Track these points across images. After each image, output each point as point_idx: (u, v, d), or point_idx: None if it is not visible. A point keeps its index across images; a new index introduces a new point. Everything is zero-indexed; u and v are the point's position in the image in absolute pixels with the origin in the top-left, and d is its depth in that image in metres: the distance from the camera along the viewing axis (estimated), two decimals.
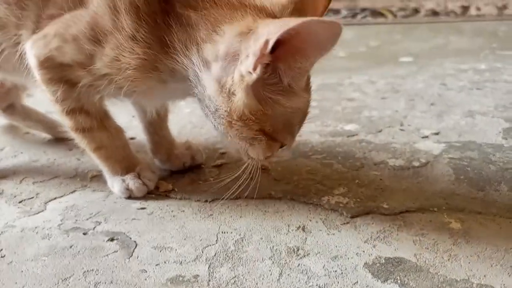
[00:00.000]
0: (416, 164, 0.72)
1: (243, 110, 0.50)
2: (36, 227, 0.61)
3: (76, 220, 0.63)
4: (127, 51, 0.54)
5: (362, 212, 0.60)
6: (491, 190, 0.63)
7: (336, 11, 2.55)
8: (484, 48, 1.54)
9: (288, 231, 0.57)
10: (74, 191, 0.70)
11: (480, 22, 2.17)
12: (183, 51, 0.53)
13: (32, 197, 0.70)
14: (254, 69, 0.46)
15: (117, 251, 0.55)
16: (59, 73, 0.60)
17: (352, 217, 0.59)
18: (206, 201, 0.66)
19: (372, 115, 0.94)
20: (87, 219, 0.63)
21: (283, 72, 0.49)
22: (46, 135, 0.92)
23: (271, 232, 0.57)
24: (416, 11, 2.47)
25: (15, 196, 0.70)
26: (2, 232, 0.61)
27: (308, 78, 0.55)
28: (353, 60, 1.46)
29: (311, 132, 0.87)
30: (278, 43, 0.44)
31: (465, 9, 2.46)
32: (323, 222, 0.59)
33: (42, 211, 0.66)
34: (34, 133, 0.94)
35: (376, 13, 2.46)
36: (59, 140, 0.88)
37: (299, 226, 0.58)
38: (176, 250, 0.55)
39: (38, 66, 0.60)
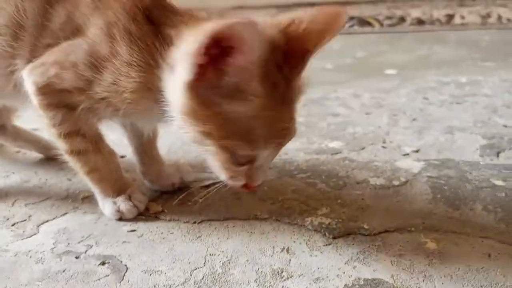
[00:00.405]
0: (396, 183, 0.75)
1: (185, 108, 0.52)
2: (29, 251, 0.63)
3: (69, 244, 0.64)
4: (124, 75, 0.58)
5: (343, 232, 0.63)
6: (466, 209, 0.67)
7: None
8: (466, 59, 1.58)
9: (273, 252, 0.60)
10: (66, 213, 0.72)
11: (464, 31, 2.22)
12: (167, 69, 0.56)
13: (25, 220, 0.71)
14: (189, 68, 0.49)
15: (108, 275, 0.57)
16: (57, 98, 0.62)
17: (334, 238, 0.62)
18: (194, 222, 0.68)
19: (356, 132, 0.98)
20: (79, 242, 0.65)
21: (224, 73, 0.49)
22: (37, 154, 0.94)
23: (256, 254, 0.60)
24: (402, 19, 2.52)
25: (8, 219, 0.72)
26: None
27: (283, 89, 0.53)
28: (339, 73, 1.49)
29: (296, 150, 0.90)
30: (213, 43, 0.46)
31: (450, 17, 2.51)
32: (306, 243, 0.61)
33: (35, 234, 0.67)
34: (24, 152, 0.95)
35: (363, 21, 2.50)
36: (50, 159, 0.90)
37: (284, 248, 0.61)
38: (165, 273, 0.57)
39: (36, 92, 0.62)
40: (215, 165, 0.58)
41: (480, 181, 0.74)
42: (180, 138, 0.98)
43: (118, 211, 0.69)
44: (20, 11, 0.62)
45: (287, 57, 0.52)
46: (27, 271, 0.59)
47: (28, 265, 0.60)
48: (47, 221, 0.71)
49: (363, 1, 3.26)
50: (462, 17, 2.48)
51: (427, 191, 0.72)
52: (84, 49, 0.59)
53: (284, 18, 0.56)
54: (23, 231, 0.68)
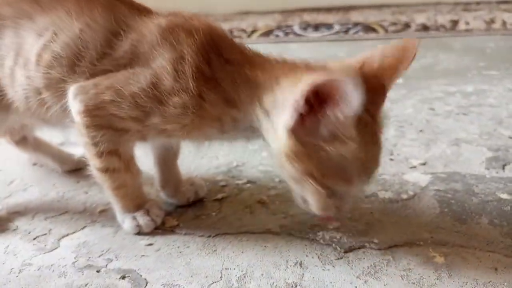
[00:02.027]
0: (404, 196, 0.77)
1: (285, 149, 0.56)
2: (52, 265, 0.66)
3: (89, 258, 0.67)
4: (194, 109, 0.60)
5: (354, 247, 0.65)
6: (473, 223, 0.69)
7: (329, 26, 2.61)
8: (472, 68, 1.60)
9: (287, 266, 0.62)
10: (85, 226, 0.75)
11: (469, 37, 2.23)
12: (246, 106, 0.60)
13: (45, 234, 0.74)
14: (291, 116, 0.53)
15: None
16: (106, 121, 0.64)
17: (345, 252, 0.64)
18: (209, 236, 0.71)
19: None
20: (99, 256, 0.67)
21: (322, 120, 0.53)
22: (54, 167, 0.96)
23: (271, 268, 0.62)
24: (407, 25, 2.54)
25: (29, 233, 0.75)
26: (20, 271, 0.65)
27: (373, 131, 0.57)
28: None
29: None
30: (314, 93, 0.50)
31: (455, 23, 2.53)
32: (318, 257, 0.64)
33: (56, 248, 0.70)
34: (42, 164, 0.98)
35: (368, 28, 2.52)
36: (67, 172, 0.93)
37: (297, 262, 0.63)
38: (183, 287, 0.60)
39: (84, 112, 0.63)
40: (310, 199, 0.60)
41: (486, 195, 0.76)
42: (192, 152, 1.01)
43: (138, 225, 0.72)
44: (81, 42, 0.64)
45: (369, 96, 0.53)
46: (51, 286, 0.62)
47: (52, 279, 0.63)
48: (67, 235, 0.73)
49: (366, 5, 3.29)
50: (467, 23, 2.49)
51: (435, 205, 0.74)
52: (147, 80, 0.61)
53: (354, 60, 0.60)
54: (45, 245, 0.71)
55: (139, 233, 0.72)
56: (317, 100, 0.51)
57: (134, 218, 0.72)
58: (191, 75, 0.59)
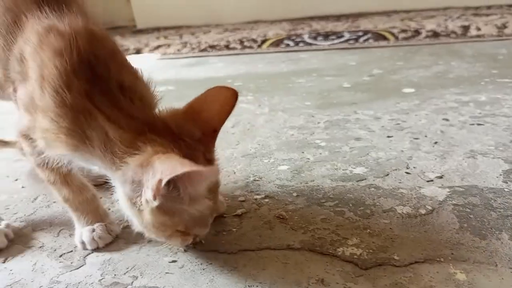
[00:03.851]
0: (422, 211, 0.78)
1: (153, 223, 0.61)
2: (79, 283, 0.68)
3: (115, 275, 0.69)
4: (52, 131, 0.61)
5: (375, 263, 0.66)
6: (493, 239, 0.69)
7: (339, 34, 2.62)
8: (484, 76, 1.60)
9: (309, 284, 0.63)
10: (109, 243, 0.77)
11: (480, 43, 2.23)
12: (102, 157, 0.61)
13: (71, 251, 0.76)
14: (154, 199, 0.57)
15: None
16: (25, 132, 0.67)
17: (366, 269, 0.65)
18: (231, 253, 0.72)
19: (379, 157, 1.00)
20: (124, 274, 0.69)
21: (182, 191, 0.58)
22: None
23: (293, 286, 0.63)
24: (417, 32, 2.54)
25: (55, 250, 0.77)
26: None
27: (214, 187, 0.66)
28: (357, 92, 1.52)
29: (322, 177, 0.94)
30: (171, 179, 0.54)
31: (465, 29, 2.52)
32: (339, 274, 0.65)
33: (83, 265, 0.72)
34: None
35: (378, 35, 2.53)
36: None
37: (318, 279, 0.64)
38: None
39: (14, 125, 0.70)
40: (176, 243, 0.69)
41: (505, 209, 0.76)
42: None
43: (82, 242, 0.75)
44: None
45: (205, 142, 0.64)
46: None
47: None
48: (92, 252, 0.75)
49: (375, 12, 3.30)
50: (478, 29, 2.49)
51: (454, 220, 0.75)
52: (28, 91, 0.63)
53: (186, 109, 0.66)
54: (71, 262, 0.73)
55: (84, 248, 0.75)
56: (173, 181, 0.56)
57: (81, 233, 0.75)
58: (50, 99, 0.59)
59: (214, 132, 0.66)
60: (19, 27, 0.65)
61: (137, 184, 0.59)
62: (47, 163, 0.70)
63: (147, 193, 0.57)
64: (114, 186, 0.65)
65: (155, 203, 0.58)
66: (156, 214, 0.60)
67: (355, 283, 0.63)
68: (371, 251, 0.69)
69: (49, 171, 0.72)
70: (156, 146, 0.59)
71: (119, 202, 0.65)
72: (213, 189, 0.65)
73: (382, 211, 0.79)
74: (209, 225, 0.68)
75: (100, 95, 0.60)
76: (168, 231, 0.63)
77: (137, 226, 0.65)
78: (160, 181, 0.55)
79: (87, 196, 0.77)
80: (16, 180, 1.06)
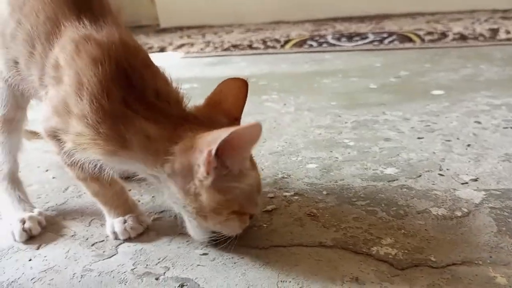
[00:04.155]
0: (458, 213, 0.76)
1: (211, 204, 0.62)
2: (112, 271, 0.68)
3: (147, 265, 0.69)
4: (89, 137, 0.62)
5: (410, 264, 0.65)
6: None
7: (363, 35, 2.60)
8: None
9: (343, 282, 0.62)
10: (141, 234, 0.77)
11: (509, 46, 2.17)
12: (143, 157, 0.63)
13: (103, 240, 0.77)
14: (208, 173, 0.59)
15: None
16: (52, 132, 0.69)
17: (401, 269, 0.64)
18: (262, 248, 0.71)
19: (410, 158, 0.99)
20: (156, 264, 0.69)
21: (229, 164, 0.61)
22: None
23: (327, 283, 0.62)
24: (443, 34, 2.49)
25: (87, 239, 0.78)
26: (82, 276, 0.68)
27: (251, 158, 0.68)
28: (384, 93, 1.50)
29: (352, 176, 0.92)
30: (218, 147, 0.57)
31: (494, 32, 2.47)
32: (374, 273, 0.63)
33: (115, 254, 0.73)
34: None
35: (403, 37, 2.49)
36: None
37: (353, 277, 0.63)
38: None
39: (40, 123, 0.71)
40: (231, 230, 0.68)
41: None
42: None
43: (114, 232, 0.76)
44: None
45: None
46: None
47: (113, 285, 0.65)
48: (123, 242, 0.76)
49: (400, 14, 3.25)
50: (508, 32, 2.43)
51: (491, 223, 0.72)
52: (61, 96, 0.64)
53: (207, 103, 0.69)
54: (103, 251, 0.74)
55: (116, 238, 0.76)
56: (220, 152, 0.58)
57: (112, 224, 0.76)
58: (88, 105, 0.60)
59: (236, 120, 0.69)
60: (57, 35, 0.67)
61: (187, 169, 0.61)
62: (75, 161, 0.70)
63: (200, 172, 0.60)
64: (160, 186, 0.66)
65: (210, 179, 0.60)
66: (211, 193, 0.61)
67: (391, 283, 0.61)
68: (406, 251, 0.67)
69: (78, 169, 0.72)
70: (195, 132, 0.61)
71: (170, 200, 0.67)
72: (253, 162, 0.68)
73: (416, 212, 0.77)
74: (259, 202, 0.69)
75: (137, 101, 0.63)
76: (224, 213, 0.64)
77: (191, 221, 0.67)
78: (209, 152, 0.57)
79: (116, 189, 0.78)
80: (47, 170, 1.08)
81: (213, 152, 0.57)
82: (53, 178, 1.03)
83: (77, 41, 0.65)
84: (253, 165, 0.68)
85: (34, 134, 1.13)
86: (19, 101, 0.83)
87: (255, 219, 0.77)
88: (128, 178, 0.95)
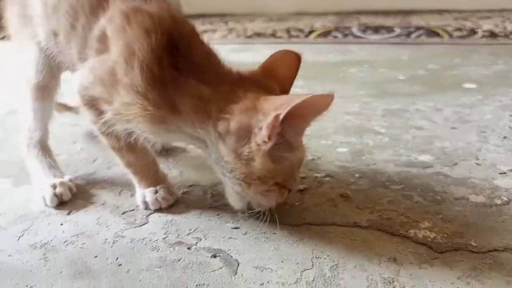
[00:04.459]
0: (498, 202, 0.74)
1: (262, 171, 0.61)
2: (143, 239, 0.68)
3: (178, 235, 0.69)
4: (138, 104, 0.62)
5: (450, 248, 0.63)
6: None
7: (389, 29, 2.55)
8: None
9: (380, 261, 0.61)
10: (171, 206, 0.77)
11: None
12: (194, 119, 0.62)
13: (134, 210, 0.77)
14: (269, 138, 0.58)
15: (222, 268, 0.61)
16: (91, 102, 0.69)
17: (441, 252, 0.62)
18: (294, 225, 0.70)
19: (444, 146, 0.96)
20: (188, 235, 0.69)
21: (287, 134, 0.59)
22: None
23: (363, 262, 0.61)
24: (473, 31, 2.44)
25: (117, 207, 0.77)
26: (114, 242, 0.68)
27: None
28: (413, 84, 1.47)
29: (384, 161, 0.90)
30: (289, 112, 0.55)
31: None
32: (413, 255, 0.62)
33: (146, 223, 0.72)
34: None
35: (431, 32, 2.44)
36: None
37: (390, 258, 0.61)
38: (276, 271, 0.60)
39: (77, 92, 0.70)
40: (268, 202, 0.67)
41: None
42: None
43: (144, 202, 0.75)
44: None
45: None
46: (145, 258, 0.64)
47: (145, 252, 0.65)
48: (154, 212, 0.75)
49: (427, 10, 3.19)
50: None
51: None
52: (108, 66, 0.64)
53: (262, 69, 0.67)
54: (134, 220, 0.73)
55: (146, 208, 0.75)
56: (285, 119, 0.56)
57: (143, 194, 0.75)
58: (138, 73, 0.61)
59: (285, 92, 0.68)
60: (103, 8, 0.68)
61: (244, 130, 0.59)
62: (112, 132, 0.71)
63: (260, 136, 0.58)
64: (206, 150, 0.65)
65: (269, 145, 0.58)
66: (265, 160, 0.60)
67: (431, 265, 0.60)
68: (445, 235, 0.65)
69: (115, 139, 0.72)
70: (256, 93, 0.60)
71: (216, 165, 0.65)
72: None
73: (453, 198, 0.75)
74: (298, 179, 0.69)
75: (188, 65, 0.62)
76: (268, 183, 0.63)
77: (234, 187, 0.65)
78: (277, 116, 0.55)
79: (149, 160, 0.77)
80: (75, 142, 1.08)
81: (281, 116, 0.55)
82: (81, 149, 1.03)
83: (127, 12, 0.65)
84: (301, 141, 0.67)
85: (65, 107, 1.14)
86: (54, 70, 0.83)
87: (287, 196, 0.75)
88: (161, 151, 0.95)
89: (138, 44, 0.61)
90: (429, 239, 0.65)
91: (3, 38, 1.05)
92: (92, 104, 0.69)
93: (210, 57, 0.65)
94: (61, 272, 0.61)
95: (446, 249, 0.62)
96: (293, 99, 0.55)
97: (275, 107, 0.57)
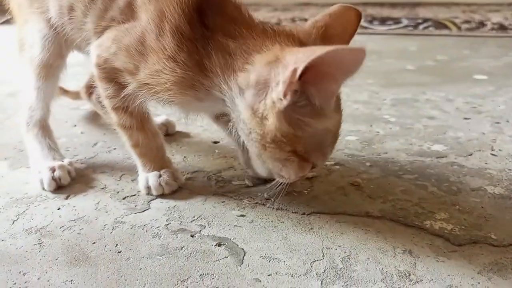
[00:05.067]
0: None
1: (275, 133, 0.54)
2: (145, 225, 0.65)
3: (181, 222, 0.65)
4: (168, 69, 0.59)
5: (469, 240, 0.59)
6: None
7: (397, 20, 2.50)
8: None
9: (395, 253, 0.57)
10: (174, 192, 0.73)
11: None
12: (220, 77, 0.58)
13: (135, 195, 0.73)
14: (285, 95, 0.51)
15: (227, 257, 0.57)
16: (112, 74, 0.65)
17: (459, 245, 0.59)
18: (303, 213, 0.67)
19: (458, 136, 0.93)
20: (191, 222, 0.65)
21: (312, 95, 0.52)
22: None
23: (377, 253, 0.58)
24: (481, 24, 2.39)
25: (118, 192, 0.74)
26: (113, 228, 0.64)
27: (338, 99, 0.58)
28: (423, 75, 1.43)
29: (396, 150, 0.87)
30: (306, 69, 0.47)
31: None
32: (429, 247, 0.58)
33: (147, 209, 0.69)
34: None
35: (439, 24, 2.39)
36: None
37: (405, 250, 0.58)
38: (284, 261, 0.57)
39: (96, 65, 0.67)
40: (286, 173, 0.60)
41: None
42: None
43: (147, 187, 0.71)
44: None
45: None
46: (146, 245, 0.60)
47: (146, 239, 0.61)
48: (156, 198, 0.72)
49: (434, 2, 3.13)
50: None
51: None
52: (136, 34, 0.61)
53: (312, 25, 0.60)
54: (135, 206, 0.70)
55: (149, 193, 0.72)
56: (307, 76, 0.49)
57: (147, 178, 0.72)
58: (170, 36, 0.58)
59: None
60: None
61: (263, 85, 0.53)
62: (127, 107, 0.67)
63: (276, 91, 0.51)
64: (234, 116, 0.60)
65: (284, 103, 0.51)
66: (280, 121, 0.53)
67: (448, 258, 0.56)
68: (463, 227, 0.62)
69: (127, 116, 0.68)
70: (286, 44, 0.54)
71: (239, 129, 0.60)
72: (339, 104, 0.59)
73: (470, 189, 0.72)
74: (328, 156, 0.61)
75: (217, 22, 0.59)
76: (286, 149, 0.55)
77: (253, 149, 0.59)
78: (294, 71, 0.48)
79: (158, 142, 0.74)
80: (75, 126, 1.04)
81: (299, 71, 0.47)
82: (82, 133, 1.00)
83: None
84: (338, 107, 0.58)
85: (63, 91, 1.10)
86: (62, 49, 0.79)
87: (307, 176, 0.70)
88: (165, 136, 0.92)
89: (169, 7, 0.58)
90: (446, 231, 0.61)
91: (4, 22, 1.01)
92: (112, 77, 0.66)
93: (240, 11, 0.61)
94: (56, 259, 0.57)
95: (465, 241, 0.59)
96: (314, 51, 0.46)
97: (296, 59, 0.48)
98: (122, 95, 0.65)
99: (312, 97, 0.52)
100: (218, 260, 0.57)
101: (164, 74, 0.59)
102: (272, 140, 0.55)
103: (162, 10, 0.59)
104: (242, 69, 0.55)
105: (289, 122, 0.53)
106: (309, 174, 0.77)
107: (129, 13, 0.63)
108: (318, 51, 0.46)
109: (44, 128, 0.82)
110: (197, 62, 0.58)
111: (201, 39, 0.58)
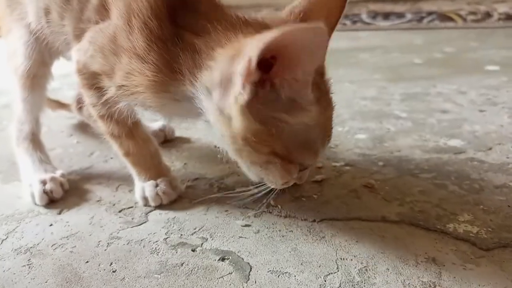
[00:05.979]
0: None
1: (245, 133, 0.48)
2: (142, 240, 0.60)
3: (181, 235, 0.60)
4: (138, 71, 0.54)
5: (498, 244, 0.54)
6: None
7: (400, 15, 2.44)
8: None
9: (417, 262, 0.52)
10: (173, 201, 0.68)
11: None
12: (189, 78, 0.52)
13: (132, 207, 0.68)
14: (243, 88, 0.45)
15: (232, 273, 0.52)
16: (92, 80, 0.61)
17: (487, 249, 0.53)
18: (314, 221, 0.62)
19: (475, 130, 0.87)
20: (192, 234, 0.60)
21: (282, 87, 0.46)
22: None
23: (397, 263, 0.52)
24: (488, 14, 2.32)
25: (114, 205, 0.69)
26: (108, 244, 0.59)
27: (322, 89, 0.52)
28: (431, 67, 1.37)
29: (410, 147, 0.81)
30: (271, 57, 0.43)
31: None
32: (454, 254, 0.53)
33: (145, 222, 0.64)
34: None
35: (444, 16, 2.33)
36: None
37: (429, 258, 0.52)
38: (295, 276, 0.51)
39: (77, 71, 0.63)
40: (273, 179, 0.54)
41: None
42: None
43: (144, 197, 0.67)
44: None
45: None
46: (143, 262, 0.55)
47: (143, 256, 0.57)
48: (154, 209, 0.67)
49: None
50: None
51: None
52: (108, 34, 0.57)
53: (287, 12, 0.55)
54: (132, 219, 0.65)
55: (146, 204, 0.67)
56: (270, 64, 0.44)
57: (143, 188, 0.67)
58: (138, 34, 0.53)
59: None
60: None
61: (226, 82, 0.47)
62: (112, 115, 0.63)
63: (236, 85, 0.45)
64: (201, 111, 0.55)
65: (245, 97, 0.45)
66: (247, 118, 0.46)
67: (477, 265, 0.51)
68: (490, 229, 0.56)
69: (114, 124, 0.65)
70: (253, 34, 0.47)
71: (211, 121, 0.53)
72: (325, 94, 0.52)
73: (493, 186, 0.66)
74: (319, 154, 0.53)
75: (188, 17, 0.54)
76: (263, 151, 0.49)
77: (230, 152, 0.54)
78: (249, 59, 0.42)
79: (151, 149, 0.69)
80: (71, 135, 1.00)
81: (254, 58, 0.41)
82: (78, 142, 0.95)
83: None
84: (323, 99, 0.51)
85: (58, 104, 1.06)
86: (45, 56, 0.75)
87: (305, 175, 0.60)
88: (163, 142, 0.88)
89: (137, 1, 0.54)
90: (471, 234, 0.56)
91: None
92: (93, 82, 0.61)
93: (215, 7, 0.55)
94: (46, 282, 0.52)
95: (493, 245, 0.53)
96: (265, 36, 0.40)
97: (250, 47, 0.42)
98: (103, 101, 0.61)
99: (283, 89, 0.46)
100: (222, 277, 0.52)
101: (135, 77, 0.55)
102: (244, 142, 0.49)
103: (130, 5, 0.55)
104: (206, 67, 0.50)
105: (259, 119, 0.47)
106: (317, 177, 0.72)
107: (104, 11, 0.58)
108: (268, 35, 0.40)
109: (34, 142, 0.78)
110: (168, 63, 0.53)
111: (171, 38, 0.53)
